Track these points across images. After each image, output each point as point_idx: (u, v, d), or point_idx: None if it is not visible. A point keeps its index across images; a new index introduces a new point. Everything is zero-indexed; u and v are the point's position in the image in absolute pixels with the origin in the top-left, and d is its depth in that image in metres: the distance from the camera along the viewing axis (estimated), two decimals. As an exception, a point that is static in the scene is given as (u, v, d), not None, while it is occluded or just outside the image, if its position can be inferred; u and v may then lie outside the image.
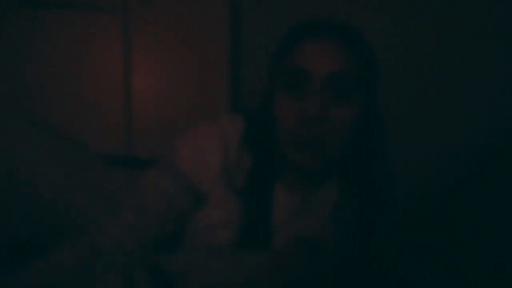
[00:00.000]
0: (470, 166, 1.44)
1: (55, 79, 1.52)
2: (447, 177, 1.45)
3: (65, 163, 0.91)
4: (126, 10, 1.52)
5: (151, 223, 0.82)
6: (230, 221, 0.84)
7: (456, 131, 1.44)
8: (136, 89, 1.56)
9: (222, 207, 0.85)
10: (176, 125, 1.53)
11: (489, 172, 1.43)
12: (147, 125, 1.57)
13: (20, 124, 0.89)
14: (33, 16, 1.49)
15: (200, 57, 1.56)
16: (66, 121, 1.49)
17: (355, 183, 0.89)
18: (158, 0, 1.53)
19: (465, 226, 1.44)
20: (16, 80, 1.51)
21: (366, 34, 0.87)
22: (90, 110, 1.53)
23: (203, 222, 0.86)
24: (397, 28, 1.46)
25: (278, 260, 0.77)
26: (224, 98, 1.56)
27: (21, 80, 1.51)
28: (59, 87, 1.52)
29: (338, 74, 0.78)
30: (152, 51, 1.55)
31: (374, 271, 0.94)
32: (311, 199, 0.90)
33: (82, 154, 0.98)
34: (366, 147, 0.87)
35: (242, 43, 1.60)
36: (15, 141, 0.86)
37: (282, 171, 0.87)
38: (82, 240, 0.79)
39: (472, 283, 1.38)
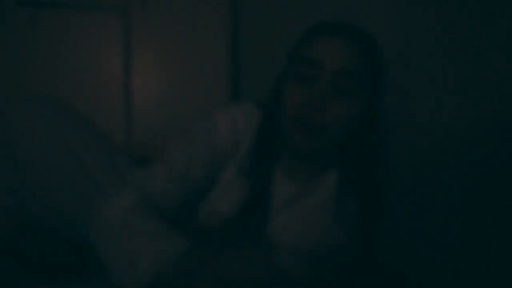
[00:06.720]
0: (470, 164, 1.45)
1: (54, 79, 1.51)
2: (445, 175, 1.46)
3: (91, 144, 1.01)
4: (126, 10, 1.53)
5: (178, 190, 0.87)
6: (233, 200, 0.89)
7: (455, 128, 1.45)
8: (136, 89, 1.56)
9: (228, 187, 0.90)
10: (176, 125, 1.53)
11: (488, 168, 1.43)
12: (147, 125, 1.57)
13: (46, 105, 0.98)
14: (32, 16, 1.49)
15: (200, 57, 1.56)
16: (66, 121, 1.49)
17: (355, 178, 0.92)
18: (158, 0, 1.54)
19: (464, 223, 1.44)
20: (15, 80, 1.51)
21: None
22: (90, 110, 1.53)
23: (208, 197, 0.92)
24: (394, 27, 1.47)
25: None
26: (224, 98, 1.56)
27: (20, 80, 1.51)
28: (59, 87, 1.51)
29: (346, 70, 0.84)
30: (152, 51, 1.56)
31: (380, 267, 0.95)
32: (308, 189, 0.93)
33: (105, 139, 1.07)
34: (367, 143, 0.91)
35: (242, 42, 1.61)
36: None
37: (282, 157, 0.92)
38: None
39: (472, 282, 1.39)
